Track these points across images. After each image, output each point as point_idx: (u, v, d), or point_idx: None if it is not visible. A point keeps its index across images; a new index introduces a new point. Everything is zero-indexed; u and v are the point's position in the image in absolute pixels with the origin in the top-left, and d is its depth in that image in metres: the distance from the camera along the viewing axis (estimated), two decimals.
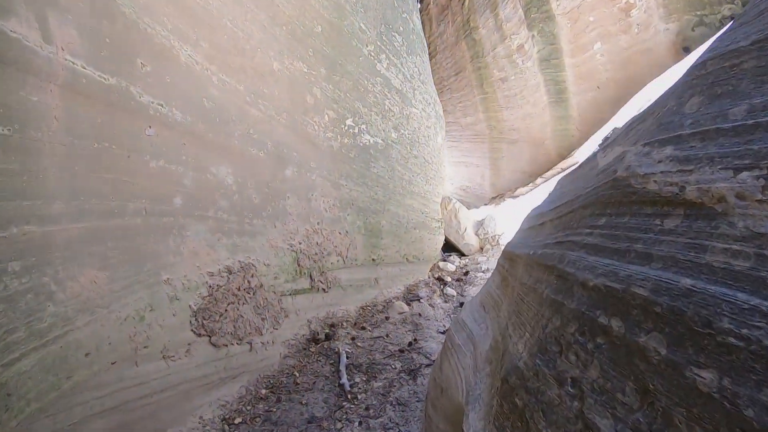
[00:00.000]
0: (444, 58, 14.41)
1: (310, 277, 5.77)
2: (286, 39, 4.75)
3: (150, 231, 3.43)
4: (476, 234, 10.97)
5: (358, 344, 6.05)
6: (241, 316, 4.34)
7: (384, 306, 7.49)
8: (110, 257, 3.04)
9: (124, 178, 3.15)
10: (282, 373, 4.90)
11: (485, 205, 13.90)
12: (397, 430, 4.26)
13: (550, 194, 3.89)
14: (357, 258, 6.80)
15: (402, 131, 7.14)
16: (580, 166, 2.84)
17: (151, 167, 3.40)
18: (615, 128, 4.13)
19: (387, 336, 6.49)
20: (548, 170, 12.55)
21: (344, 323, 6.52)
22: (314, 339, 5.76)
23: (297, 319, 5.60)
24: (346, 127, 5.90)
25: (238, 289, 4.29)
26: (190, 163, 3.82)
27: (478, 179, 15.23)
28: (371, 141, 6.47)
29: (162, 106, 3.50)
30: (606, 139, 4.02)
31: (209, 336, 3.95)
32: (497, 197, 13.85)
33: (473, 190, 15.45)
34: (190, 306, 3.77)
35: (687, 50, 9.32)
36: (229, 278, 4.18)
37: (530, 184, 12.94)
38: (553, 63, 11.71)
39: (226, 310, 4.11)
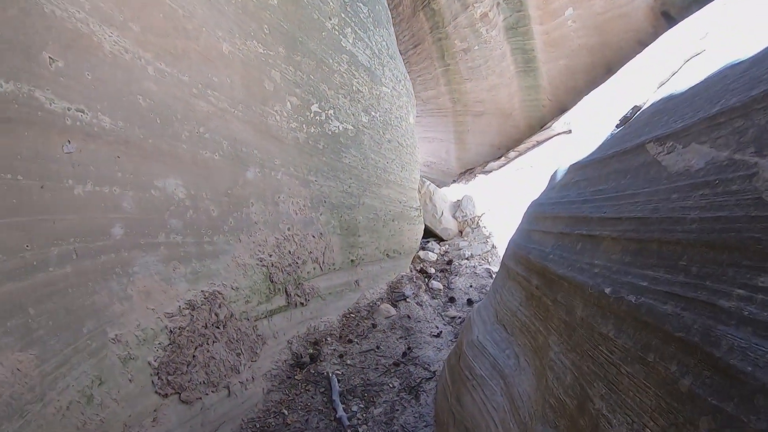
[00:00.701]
0: (401, 30, 13.82)
1: (286, 292, 5.17)
2: (236, 14, 4.03)
3: (85, 279, 2.71)
4: (454, 217, 10.58)
5: (348, 362, 5.52)
6: (213, 358, 3.72)
7: (368, 311, 6.97)
8: (35, 329, 2.33)
9: (41, 216, 2.42)
10: (268, 413, 4.31)
11: (454, 181, 13.62)
12: None
13: (564, 185, 3.41)
14: (334, 262, 6.23)
15: (373, 114, 6.52)
16: (613, 156, 2.47)
17: (75, 195, 2.68)
18: (635, 107, 3.67)
19: (378, 348, 5.99)
20: (520, 143, 12.30)
21: (328, 338, 5.97)
22: (298, 364, 5.18)
23: (276, 343, 5.00)
24: (312, 114, 5.24)
25: (205, 326, 3.65)
26: (128, 181, 3.12)
27: (443, 154, 14.90)
28: (340, 128, 5.84)
29: (82, 112, 2.76)
30: (627, 119, 3.57)
31: (178, 393, 3.32)
32: (466, 173, 13.59)
33: (438, 166, 15.14)
34: (149, 363, 3.12)
35: (666, 15, 9.05)
36: (192, 316, 3.53)
37: (502, 158, 12.65)
38: (521, 31, 11.29)
39: (194, 356, 3.48)
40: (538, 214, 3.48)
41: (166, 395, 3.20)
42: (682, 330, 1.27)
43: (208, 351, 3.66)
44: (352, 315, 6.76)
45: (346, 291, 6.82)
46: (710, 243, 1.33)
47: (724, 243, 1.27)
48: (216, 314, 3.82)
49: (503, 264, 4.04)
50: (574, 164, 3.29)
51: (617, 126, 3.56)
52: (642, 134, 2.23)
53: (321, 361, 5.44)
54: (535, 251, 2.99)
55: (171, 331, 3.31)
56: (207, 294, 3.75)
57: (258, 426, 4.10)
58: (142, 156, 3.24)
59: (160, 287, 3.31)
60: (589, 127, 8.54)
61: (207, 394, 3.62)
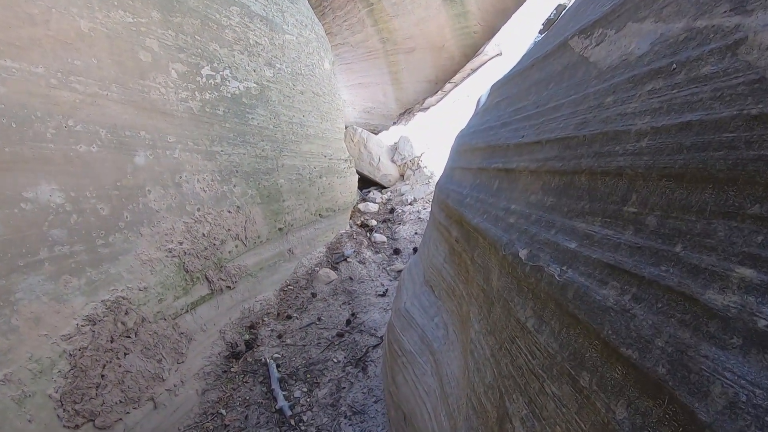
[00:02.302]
0: None
1: (207, 279, 5.15)
2: None
3: None
4: (392, 161, 10.65)
5: (288, 342, 5.64)
6: (128, 372, 3.71)
7: (307, 280, 7.07)
8: None
9: None
10: (205, 415, 4.40)
11: (394, 124, 13.68)
12: None
13: (486, 109, 3.14)
14: (260, 234, 6.20)
15: (278, 66, 6.29)
16: (533, 65, 2.21)
17: None
18: (559, 6, 3.60)
19: (319, 320, 6.13)
20: (455, 74, 12.36)
21: (265, 318, 6.05)
22: (234, 354, 5.25)
23: (206, 336, 5.03)
24: (204, 79, 5.02)
25: (111, 340, 3.62)
26: None
27: (381, 98, 15.08)
28: (241, 88, 5.62)
29: None
30: (551, 22, 3.47)
31: (92, 420, 3.32)
32: (405, 113, 13.69)
33: (378, 111, 15.26)
34: (50, 396, 3.07)
35: None
36: (94, 332, 3.48)
37: (439, 92, 12.72)
38: None
39: (102, 376, 3.46)
40: (460, 146, 3.37)
41: (77, 426, 3.20)
42: (635, 345, 0.83)
43: (119, 366, 3.65)
44: (290, 287, 6.84)
45: (279, 263, 6.85)
46: (678, 173, 0.88)
47: (703, 171, 0.81)
48: (123, 323, 3.78)
49: (431, 211, 3.99)
50: (495, 84, 3.17)
51: (540, 32, 3.47)
52: (565, 31, 1.89)
53: (258, 345, 5.53)
54: (453, 194, 2.84)
55: (71, 355, 3.26)
56: (109, 303, 3.70)
57: None
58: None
59: (51, 309, 3.23)
60: (519, 45, 8.60)
61: (128, 413, 3.64)
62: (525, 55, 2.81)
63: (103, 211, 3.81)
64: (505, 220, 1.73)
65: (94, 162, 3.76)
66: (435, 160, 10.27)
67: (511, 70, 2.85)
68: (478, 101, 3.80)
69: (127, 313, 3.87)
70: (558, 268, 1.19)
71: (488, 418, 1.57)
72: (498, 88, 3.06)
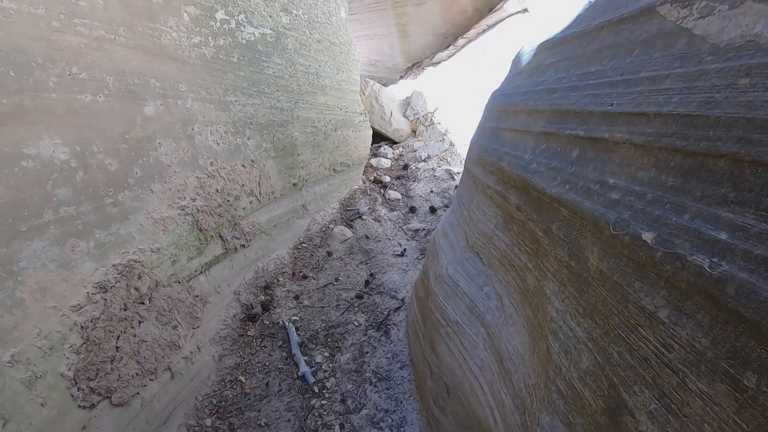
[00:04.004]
0: None
1: (221, 237, 4.79)
2: None
3: None
4: (404, 116, 10.17)
5: (305, 303, 5.35)
6: (143, 342, 3.41)
7: (322, 237, 6.73)
8: None
9: None
10: (223, 383, 4.13)
11: (401, 78, 13.15)
12: (390, 419, 3.75)
13: (534, 69, 2.85)
14: (273, 190, 5.81)
15: (295, 12, 5.72)
16: (603, 27, 2.01)
17: None
18: None
19: (336, 280, 5.83)
20: (468, 29, 11.71)
21: (280, 277, 5.74)
22: (250, 316, 4.95)
23: (220, 298, 4.72)
24: (218, 24, 4.51)
25: (125, 308, 3.29)
26: None
27: (387, 50, 14.48)
28: (256, 34, 5.10)
29: None
30: None
31: (108, 397, 3.03)
32: (413, 67, 13.15)
33: (383, 63, 14.72)
34: (62, 375, 2.75)
35: None
36: (106, 300, 3.15)
37: (450, 47, 12.12)
38: None
39: (117, 348, 3.15)
40: (505, 107, 3.05)
41: (92, 405, 2.90)
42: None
43: (134, 336, 3.33)
44: (304, 245, 6.51)
45: (293, 219, 6.49)
46: None
47: None
48: (136, 288, 3.44)
49: (468, 171, 3.69)
50: (544, 42, 2.81)
51: None
52: None
53: (275, 307, 5.23)
54: (509, 157, 2.58)
55: (82, 327, 2.93)
56: (120, 267, 3.34)
57: (215, 402, 3.92)
58: None
59: (58, 277, 2.87)
60: (550, 3, 7.97)
61: (145, 386, 3.34)
62: (584, 13, 2.46)
63: (111, 166, 3.41)
64: (604, 194, 1.56)
65: (100, 113, 3.34)
66: (450, 117, 9.80)
67: (564, 30, 2.56)
68: (518, 58, 3.44)
69: (140, 277, 3.53)
70: (707, 260, 1.07)
71: (586, 406, 1.48)
72: (549, 48, 2.71)
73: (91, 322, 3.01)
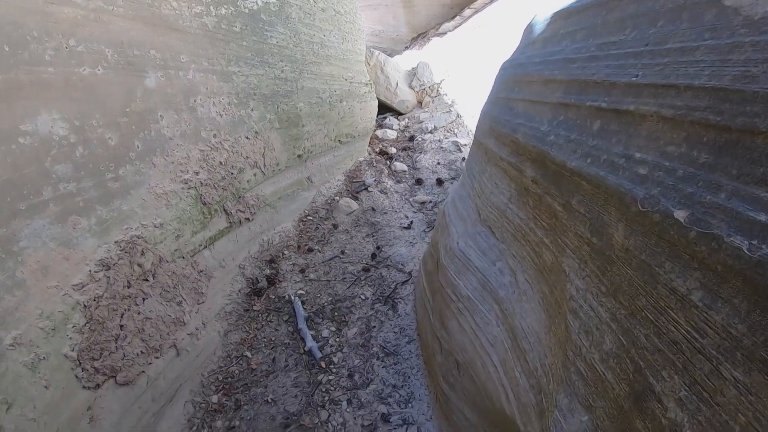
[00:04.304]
0: None
1: (225, 211, 4.71)
2: None
3: None
4: (410, 87, 9.98)
5: (311, 277, 5.30)
6: (147, 319, 3.36)
7: (327, 209, 6.65)
8: None
9: None
10: (229, 359, 4.10)
11: (406, 48, 12.89)
12: (397, 395, 3.72)
13: (548, 39, 2.74)
14: (278, 162, 5.71)
15: None
16: None
17: None
18: None
19: (343, 253, 5.76)
20: None
21: (285, 251, 5.68)
22: (255, 291, 4.90)
23: (225, 273, 4.66)
24: None
25: (128, 285, 3.23)
26: None
27: (391, 20, 14.11)
28: (259, 3, 4.90)
29: None
30: None
31: (113, 377, 2.99)
32: (419, 37, 12.87)
33: (388, 34, 14.39)
34: (65, 356, 2.70)
35: None
36: (109, 278, 3.09)
37: (456, 18, 11.80)
38: None
39: (121, 327, 3.10)
40: (518, 77, 2.95)
41: (97, 385, 2.85)
42: None
43: (138, 313, 3.28)
44: (309, 218, 6.43)
45: (298, 191, 6.40)
46: None
47: None
48: (139, 265, 3.37)
49: (478, 142, 3.58)
50: (559, 11, 2.69)
51: None
52: None
53: (280, 281, 5.18)
54: (524, 129, 2.51)
55: (85, 306, 2.87)
56: (123, 244, 3.27)
57: (221, 378, 3.90)
58: None
59: (59, 255, 2.80)
60: None
61: (150, 364, 3.30)
62: None
63: (112, 140, 3.30)
64: (630, 169, 1.49)
65: (99, 86, 3.22)
66: (456, 88, 9.61)
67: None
68: (530, 28, 3.30)
69: (143, 253, 3.46)
70: (746, 242, 1.01)
71: (609, 389, 1.43)
72: (565, 17, 2.57)
73: (94, 300, 2.95)
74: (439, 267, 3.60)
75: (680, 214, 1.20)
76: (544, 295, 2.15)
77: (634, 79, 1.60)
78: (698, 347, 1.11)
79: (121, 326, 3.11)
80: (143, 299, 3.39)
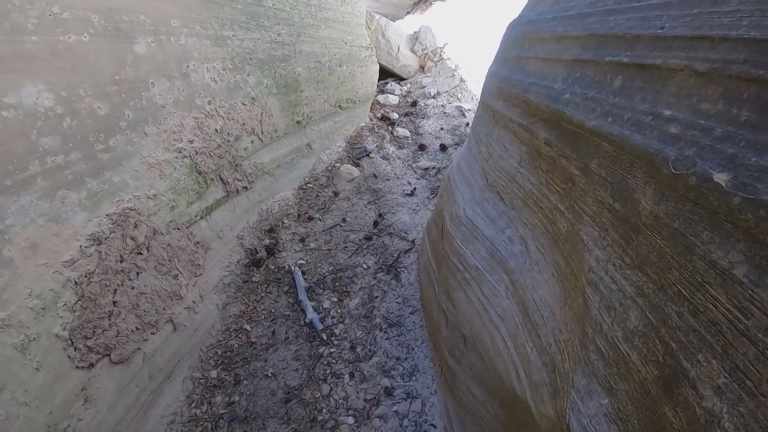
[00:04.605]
0: None
1: (221, 180, 4.57)
2: None
3: None
4: (412, 51, 9.73)
5: (311, 246, 5.19)
6: (143, 293, 3.26)
7: (328, 177, 6.50)
8: None
9: None
10: (228, 332, 4.02)
11: (408, 13, 12.48)
12: (401, 367, 3.66)
13: None
14: (276, 128, 5.53)
15: None
16: None
17: None
18: None
19: (344, 221, 5.64)
20: None
21: (285, 219, 5.56)
22: (254, 261, 4.80)
23: (223, 244, 4.55)
24: None
25: (121, 260, 3.12)
26: None
27: None
28: None
29: None
30: None
31: (107, 355, 2.91)
32: (420, 2, 12.43)
33: None
34: (57, 335, 2.60)
35: None
36: (101, 252, 2.97)
37: None
38: None
39: (114, 303, 3.00)
40: (529, 34, 2.81)
41: (91, 365, 2.77)
42: None
43: (132, 288, 3.18)
44: (309, 186, 6.29)
45: (297, 159, 6.24)
46: None
47: None
48: (132, 238, 3.26)
49: (485, 105, 3.44)
50: None
51: None
52: None
53: (280, 251, 5.08)
54: (536, 88, 2.39)
55: (76, 283, 2.76)
56: (115, 217, 3.15)
57: (220, 353, 3.83)
58: None
59: (48, 232, 2.67)
60: None
61: (146, 340, 3.22)
62: None
63: (101, 110, 3.14)
64: (659, 128, 1.36)
65: (86, 54, 3.04)
66: (460, 52, 9.39)
67: None
68: None
69: (136, 226, 3.34)
70: None
71: (633, 371, 1.31)
72: None
73: (86, 277, 2.84)
74: (444, 235, 3.48)
75: (721, 177, 1.07)
76: (559, 266, 2.04)
77: (660, 31, 1.48)
78: (741, 329, 0.99)
79: (115, 302, 3.02)
80: (137, 273, 3.29)
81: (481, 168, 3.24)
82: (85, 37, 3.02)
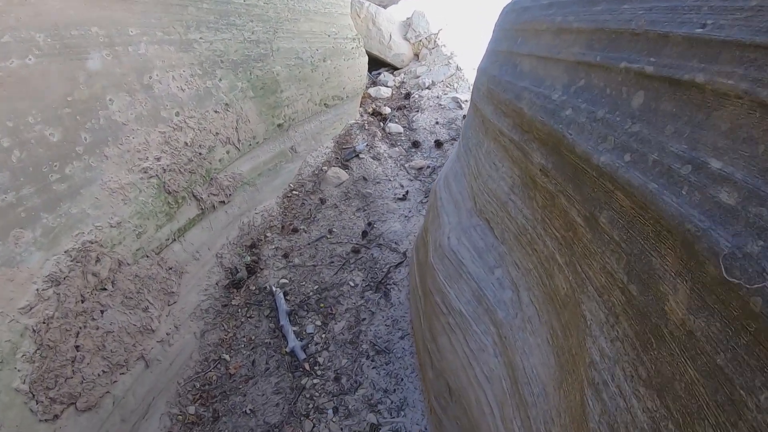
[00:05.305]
0: None
1: (194, 197, 4.58)
2: None
3: None
4: (405, 39, 9.74)
5: (295, 262, 5.21)
6: (109, 333, 3.30)
7: (314, 182, 6.51)
8: None
9: None
10: (207, 362, 4.05)
11: None
12: (389, 401, 3.68)
13: None
14: (255, 134, 5.53)
15: None
16: None
17: None
18: None
19: (330, 232, 5.66)
20: None
21: (268, 233, 5.58)
22: (234, 282, 4.82)
23: (200, 266, 4.58)
24: None
25: (82, 299, 3.14)
26: None
27: None
28: None
29: None
30: None
31: (72, 404, 2.94)
32: None
33: None
34: (17, 390, 2.60)
35: None
36: (59, 294, 3.00)
37: None
38: None
39: (77, 347, 3.04)
40: (523, 24, 2.50)
41: (55, 416, 2.80)
42: None
43: (97, 329, 3.22)
44: (294, 193, 6.30)
45: (281, 164, 6.24)
46: None
47: None
48: (94, 274, 3.28)
49: (475, 106, 3.24)
50: None
51: None
52: None
53: (262, 269, 5.10)
54: (530, 95, 2.06)
55: (35, 331, 2.79)
56: (74, 253, 3.17)
57: (198, 386, 3.86)
58: None
59: (2, 277, 2.69)
60: None
61: (115, 382, 3.25)
62: None
63: (54, 137, 3.15)
64: (703, 189, 0.99)
65: (32, 77, 3.04)
66: (455, 38, 9.37)
67: None
68: None
69: (98, 260, 3.36)
70: None
71: None
72: None
73: (44, 323, 2.87)
74: (427, 266, 3.44)
75: None
76: (555, 334, 1.79)
77: (699, 31, 1.13)
78: None
79: (77, 347, 3.05)
80: (101, 312, 3.32)
81: (470, 186, 3.12)
82: (29, 59, 3.03)
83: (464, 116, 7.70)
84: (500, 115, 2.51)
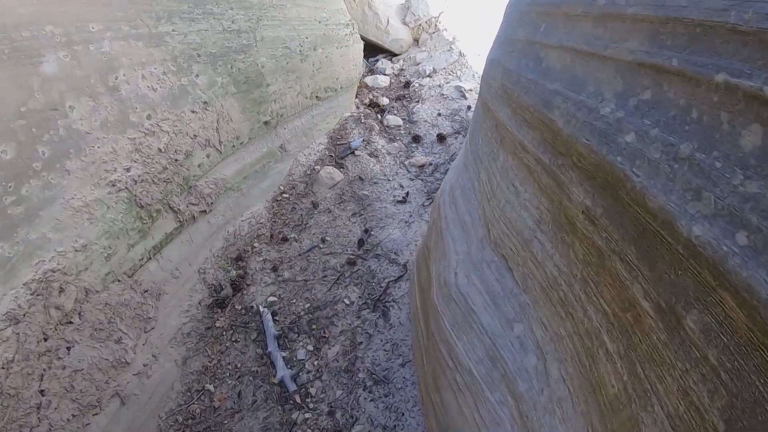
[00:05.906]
0: None
1: (171, 209, 4.43)
2: None
3: None
4: (404, 23, 9.60)
5: (285, 276, 5.06)
6: (77, 371, 3.15)
7: (306, 183, 6.35)
8: None
9: None
10: (190, 393, 3.90)
11: None
12: None
13: None
14: (239, 134, 5.37)
15: None
16: None
17: None
18: None
19: (323, 241, 5.51)
20: None
21: (256, 243, 5.43)
22: (218, 301, 4.68)
23: (180, 284, 4.43)
24: None
25: (45, 338, 3.02)
26: None
27: None
28: None
29: None
30: None
31: None
32: None
33: None
34: None
35: None
36: (18, 335, 2.87)
37: None
38: None
39: (42, 391, 2.90)
40: (549, 5, 2.12)
41: None
42: None
43: (63, 368, 3.08)
44: (284, 196, 6.14)
45: (269, 165, 6.09)
46: None
47: None
48: (58, 307, 3.15)
49: (485, 105, 2.91)
50: None
51: None
52: None
53: (248, 285, 4.95)
54: (565, 103, 1.69)
55: None
56: (33, 285, 3.03)
57: (180, 420, 3.71)
58: None
59: None
60: None
61: (88, 424, 3.14)
62: None
63: (6, 154, 3.00)
64: None
65: None
66: (457, 21, 9.23)
67: None
68: None
69: (62, 290, 3.22)
70: None
71: None
72: None
73: (3, 368, 2.74)
74: (429, 307, 3.19)
75: None
76: (594, 430, 1.52)
77: None
78: None
79: (42, 391, 2.93)
80: (68, 349, 3.19)
81: (481, 207, 2.76)
82: None
83: (469, 107, 7.53)
84: (521, 123, 2.15)
